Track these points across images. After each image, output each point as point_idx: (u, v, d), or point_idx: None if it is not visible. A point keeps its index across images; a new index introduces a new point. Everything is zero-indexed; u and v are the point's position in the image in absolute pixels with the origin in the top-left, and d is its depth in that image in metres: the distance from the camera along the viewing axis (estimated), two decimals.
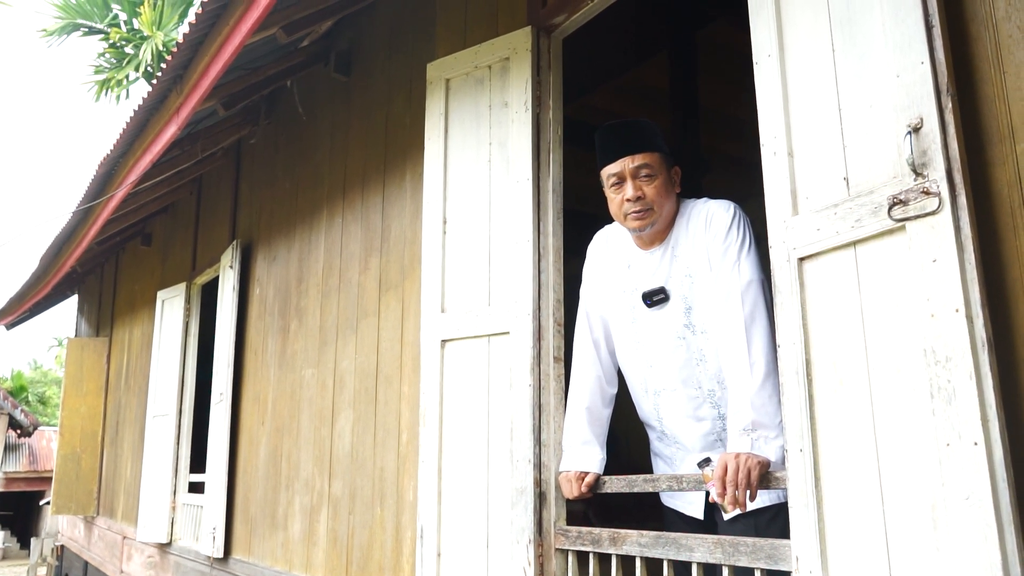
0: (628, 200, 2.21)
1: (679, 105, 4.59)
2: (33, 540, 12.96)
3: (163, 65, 3.52)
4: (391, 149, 3.60)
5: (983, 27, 1.54)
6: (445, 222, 2.87)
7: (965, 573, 1.37)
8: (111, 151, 4.41)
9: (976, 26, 1.55)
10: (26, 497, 24.09)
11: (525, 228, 2.60)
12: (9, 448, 22.39)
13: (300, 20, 3.61)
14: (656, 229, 2.24)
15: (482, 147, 2.80)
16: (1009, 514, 1.35)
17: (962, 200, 1.46)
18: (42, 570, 12.23)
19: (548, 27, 2.71)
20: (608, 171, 2.26)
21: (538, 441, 2.45)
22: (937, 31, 1.53)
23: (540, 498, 2.41)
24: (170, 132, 3.80)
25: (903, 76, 1.57)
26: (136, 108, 3.96)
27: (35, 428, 20.84)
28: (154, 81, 3.60)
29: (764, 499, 2.02)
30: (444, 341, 2.77)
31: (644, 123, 2.29)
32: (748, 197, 2.43)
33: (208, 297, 6.07)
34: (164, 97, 3.80)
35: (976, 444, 1.38)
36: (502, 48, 2.79)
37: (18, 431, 20.73)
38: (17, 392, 27.79)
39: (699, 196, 2.33)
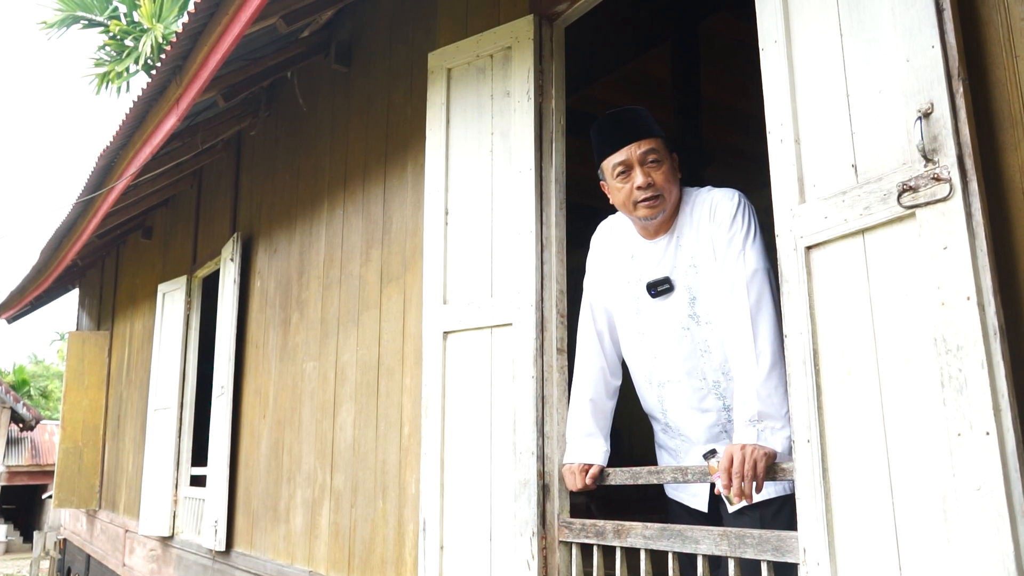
0: (639, 188, 2.15)
1: (681, 96, 4.56)
2: (36, 534, 12.96)
3: (162, 56, 3.49)
4: (392, 140, 3.58)
5: (994, 10, 1.51)
6: (447, 213, 2.84)
7: (976, 565, 1.35)
8: (111, 143, 4.38)
9: (987, 9, 1.52)
10: (28, 491, 24.12)
11: (527, 218, 2.57)
12: (11, 442, 22.41)
13: (300, 10, 3.58)
14: (663, 217, 2.21)
15: (484, 137, 2.78)
16: (1022, 505, 1.33)
17: (974, 186, 1.44)
18: (45, 563, 12.26)
19: (550, 15, 2.68)
20: (613, 161, 2.21)
21: (541, 433, 2.43)
22: (948, 14, 1.51)
23: (543, 490, 2.40)
24: (170, 123, 3.77)
25: (913, 61, 1.55)
26: (135, 99, 3.93)
27: (37, 422, 20.86)
28: (153, 72, 3.57)
29: (770, 491, 2.00)
30: (446, 333, 2.75)
31: (642, 110, 2.26)
32: (751, 189, 2.40)
33: (209, 290, 6.06)
34: (163, 88, 3.77)
35: (988, 434, 1.36)
36: (504, 37, 2.76)
37: (20, 425, 20.76)
38: (19, 386, 27.80)
39: (702, 186, 2.30)
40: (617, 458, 2.40)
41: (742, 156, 5.69)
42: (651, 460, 2.46)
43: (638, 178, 2.15)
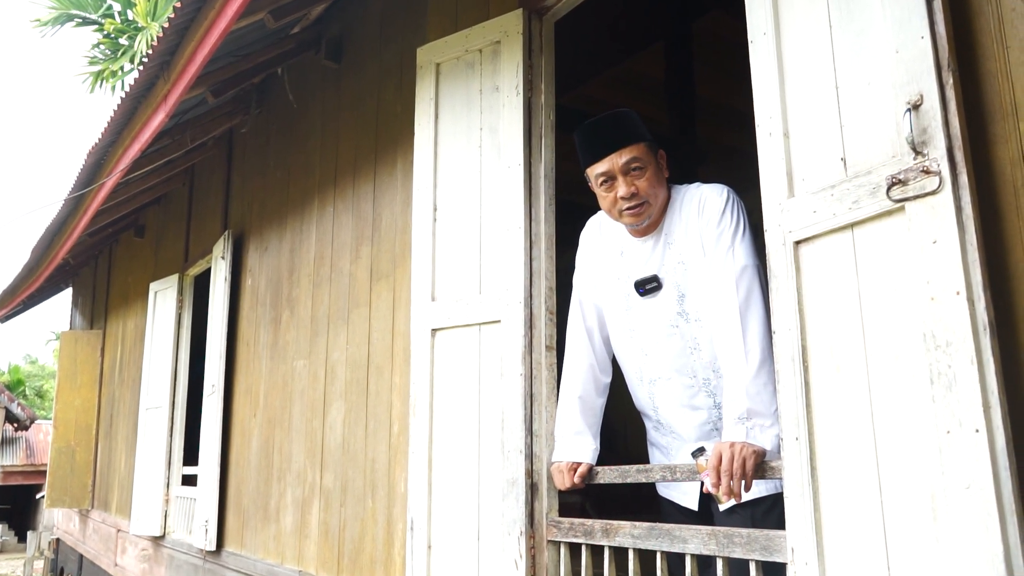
0: (622, 198, 2.14)
1: (675, 95, 4.54)
2: (30, 533, 12.91)
3: (149, 52, 3.46)
4: (382, 137, 3.55)
5: (985, 1, 1.48)
6: (435, 209, 2.81)
7: (966, 564, 1.33)
8: (100, 139, 4.34)
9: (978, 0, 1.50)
10: (23, 491, 24.04)
11: (516, 215, 2.55)
12: (6, 442, 22.34)
13: (289, 4, 3.55)
14: (650, 221, 2.20)
15: (473, 133, 2.75)
16: (1011, 503, 1.30)
17: (963, 179, 1.42)
18: (39, 563, 12.20)
19: (540, 9, 2.66)
20: (596, 170, 2.18)
21: (530, 431, 2.40)
22: (938, 4, 1.48)
23: (532, 489, 2.37)
24: (158, 120, 3.74)
25: (902, 52, 1.52)
26: (123, 95, 3.89)
27: (32, 422, 20.80)
28: (140, 67, 3.53)
29: (760, 489, 1.97)
30: (434, 330, 2.72)
31: (624, 115, 2.20)
32: (745, 188, 2.37)
33: (201, 289, 6.02)
34: (151, 84, 3.73)
35: (977, 431, 1.33)
36: (493, 31, 2.73)
37: (15, 425, 20.69)
38: (14, 386, 27.73)
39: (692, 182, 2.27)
40: (613, 456, 2.37)
41: (736, 155, 5.65)
42: (646, 458, 2.43)
43: (621, 188, 2.14)
